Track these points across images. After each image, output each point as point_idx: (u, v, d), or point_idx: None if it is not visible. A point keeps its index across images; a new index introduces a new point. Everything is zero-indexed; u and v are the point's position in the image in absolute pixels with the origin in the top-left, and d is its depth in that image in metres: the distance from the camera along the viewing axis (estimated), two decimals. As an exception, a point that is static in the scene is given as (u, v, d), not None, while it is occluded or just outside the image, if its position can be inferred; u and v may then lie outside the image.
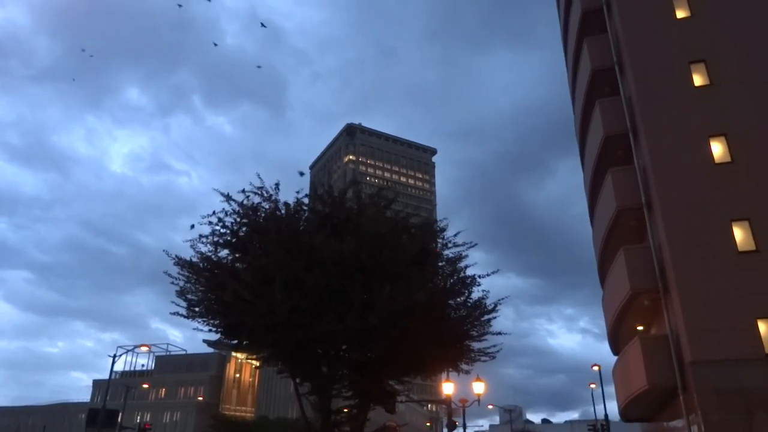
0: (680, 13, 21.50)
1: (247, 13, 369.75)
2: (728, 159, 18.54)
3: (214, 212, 14.39)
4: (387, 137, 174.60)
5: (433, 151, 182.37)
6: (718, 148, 18.88)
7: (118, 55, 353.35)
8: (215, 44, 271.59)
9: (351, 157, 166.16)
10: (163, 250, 14.61)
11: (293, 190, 15.46)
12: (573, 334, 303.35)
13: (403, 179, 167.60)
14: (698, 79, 20.13)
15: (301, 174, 15.46)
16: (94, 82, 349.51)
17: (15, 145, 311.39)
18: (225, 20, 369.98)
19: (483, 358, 16.84)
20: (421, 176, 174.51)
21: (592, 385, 52.56)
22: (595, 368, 47.53)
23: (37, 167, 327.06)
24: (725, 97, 19.50)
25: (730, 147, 18.66)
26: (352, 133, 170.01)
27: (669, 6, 21.71)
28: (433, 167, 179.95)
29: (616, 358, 24.81)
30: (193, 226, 14.58)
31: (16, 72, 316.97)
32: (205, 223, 14.31)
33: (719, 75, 19.91)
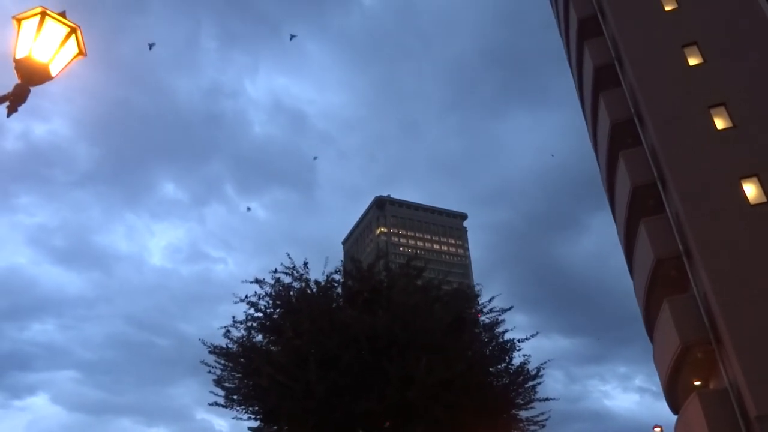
0: (692, 60, 21.70)
1: (271, 103, 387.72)
2: (764, 199, 18.10)
3: (246, 296, 14.54)
4: (417, 206, 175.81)
5: (464, 216, 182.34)
6: (751, 190, 18.48)
7: (153, 154, 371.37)
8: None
9: (383, 229, 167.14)
10: (199, 339, 14.69)
11: (327, 266, 15.53)
12: (630, 394, 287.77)
13: (436, 246, 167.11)
14: (720, 123, 20.02)
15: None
16: (131, 181, 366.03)
17: (60, 248, 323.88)
18: (252, 112, 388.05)
19: (532, 428, 16.08)
20: (453, 242, 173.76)
21: (657, 448, 49.31)
22: (657, 430, 44.75)
23: (81, 268, 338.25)
24: (751, 136, 19.28)
25: (764, 187, 18.25)
26: (381, 205, 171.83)
27: (680, 53, 21.96)
28: (465, 232, 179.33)
29: (677, 417, 23.42)
30: (235, 321, 14.61)
31: (59, 179, 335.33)
32: (240, 301, 14.41)
33: (741, 116, 19.79)
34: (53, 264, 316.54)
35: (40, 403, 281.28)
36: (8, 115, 3.76)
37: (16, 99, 3.78)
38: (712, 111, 20.26)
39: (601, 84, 25.37)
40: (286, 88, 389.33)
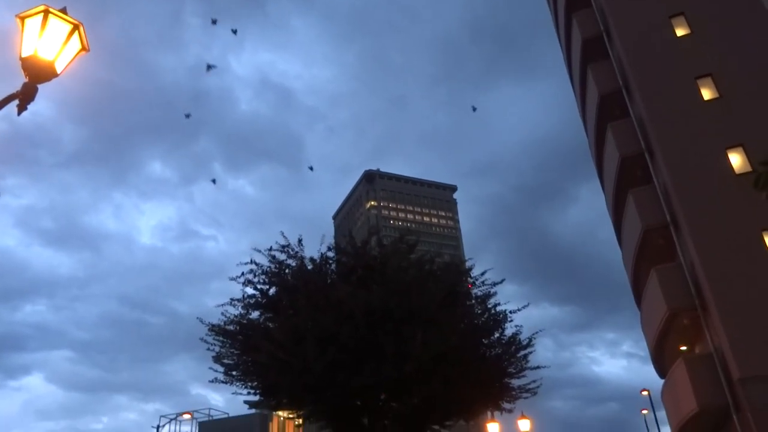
0: (680, 31, 21.77)
1: (258, 80, 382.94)
2: (749, 168, 18.39)
3: (242, 274, 14.73)
4: (406, 180, 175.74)
5: (454, 189, 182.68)
6: (736, 159, 18.77)
7: (139, 133, 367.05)
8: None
9: (372, 203, 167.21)
10: (197, 318, 14.94)
11: (318, 242, 15.79)
12: (618, 359, 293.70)
13: (426, 219, 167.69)
14: (707, 93, 20.21)
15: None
16: (118, 161, 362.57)
17: (49, 230, 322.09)
18: (238, 88, 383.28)
19: (525, 395, 16.57)
20: (444, 214, 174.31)
21: (644, 411, 50.65)
22: (645, 393, 45.92)
23: (71, 249, 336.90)
24: (737, 107, 19.50)
25: (749, 156, 18.55)
26: (371, 179, 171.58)
27: (668, 25, 22.01)
28: (455, 204, 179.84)
29: (663, 381, 24.10)
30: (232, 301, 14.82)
31: (46, 161, 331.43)
32: (236, 281, 14.62)
33: (727, 86, 19.97)
34: (43, 245, 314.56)
35: (35, 382, 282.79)
36: (18, 114, 3.84)
37: (25, 98, 3.87)
38: (699, 82, 20.42)
39: (589, 56, 25.41)
40: (272, 63, 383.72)
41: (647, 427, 53.43)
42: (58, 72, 4.08)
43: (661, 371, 25.12)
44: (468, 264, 16.32)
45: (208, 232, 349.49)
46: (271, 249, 14.88)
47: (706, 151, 19.22)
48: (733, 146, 18.93)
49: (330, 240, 16.44)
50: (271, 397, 15.69)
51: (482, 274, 15.67)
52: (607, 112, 24.03)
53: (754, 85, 19.47)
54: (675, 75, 20.93)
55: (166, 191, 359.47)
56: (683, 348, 21.75)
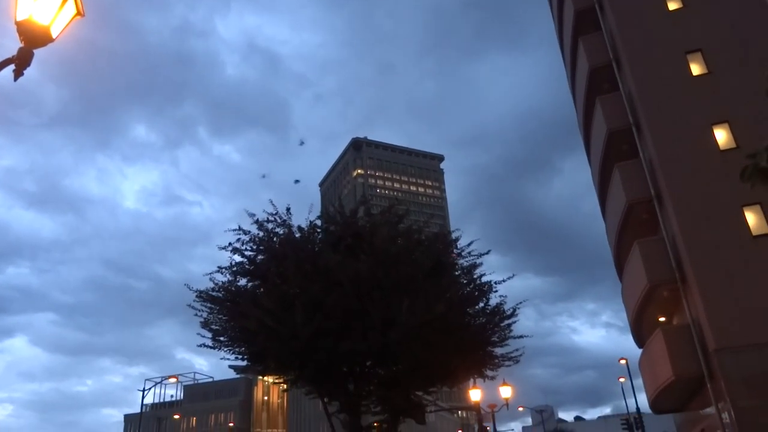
0: (672, 5, 21.68)
1: (244, 44, 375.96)
2: (733, 145, 18.61)
3: (230, 244, 14.77)
4: (393, 148, 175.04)
5: (441, 158, 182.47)
6: (722, 135, 18.97)
7: (123, 96, 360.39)
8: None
9: (359, 171, 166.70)
10: (185, 284, 15.01)
11: (305, 209, 15.89)
12: (597, 329, 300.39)
13: (413, 188, 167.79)
14: (696, 69, 20.27)
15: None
16: (101, 123, 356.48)
17: (31, 192, 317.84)
18: (224, 52, 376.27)
19: (507, 363, 16.98)
20: (430, 184, 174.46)
21: (622, 379, 52.11)
22: (623, 362, 47.15)
23: (54, 211, 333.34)
24: (725, 83, 19.61)
25: (734, 133, 18.75)
26: (358, 147, 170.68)
27: (660, -1, 21.90)
28: (442, 174, 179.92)
29: (641, 350, 24.76)
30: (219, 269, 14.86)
31: (27, 121, 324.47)
32: (225, 250, 14.68)
33: (716, 62, 20.04)
34: (25, 208, 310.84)
35: (18, 345, 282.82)
36: (15, 79, 3.81)
37: (21, 62, 3.83)
38: (689, 57, 20.45)
39: (581, 28, 25.26)
40: (259, 27, 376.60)
41: (624, 393, 54.96)
42: (54, 37, 4.05)
43: (640, 341, 25.78)
44: (455, 235, 16.49)
45: (193, 198, 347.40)
46: (256, 218, 14.90)
47: (692, 127, 19.38)
48: (719, 122, 19.10)
49: (317, 209, 16.53)
50: (258, 363, 15.92)
51: (469, 245, 15.87)
52: (596, 85, 24.04)
53: (743, 63, 19.55)
54: (665, 49, 20.94)
55: (150, 155, 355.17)
56: (662, 319, 22.30)
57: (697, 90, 19.90)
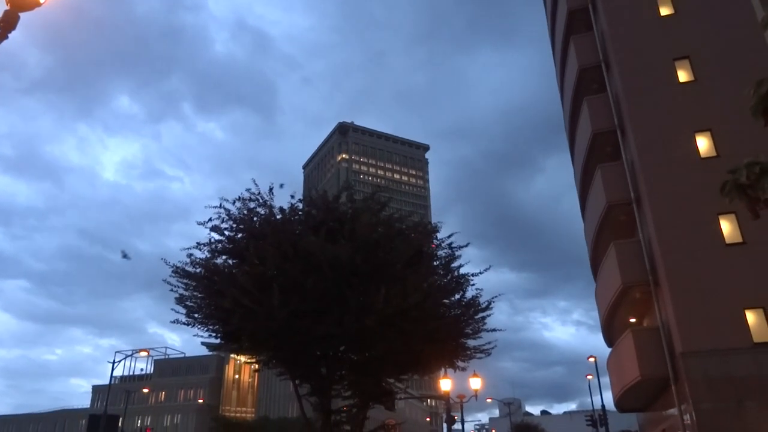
0: (664, 11, 21.87)
1: (234, 21, 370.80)
2: (714, 153, 18.92)
3: (210, 219, 14.66)
4: (379, 135, 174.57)
5: (426, 148, 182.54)
6: (704, 143, 19.26)
7: (108, 65, 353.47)
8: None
9: (344, 155, 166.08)
10: (161, 259, 14.87)
11: (286, 192, 15.80)
12: (567, 327, 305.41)
13: (396, 176, 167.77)
14: (683, 75, 20.51)
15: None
16: (84, 91, 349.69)
17: (8, 157, 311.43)
18: (213, 28, 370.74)
19: (479, 355, 17.15)
20: (414, 173, 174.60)
21: (589, 377, 53.10)
22: (591, 360, 47.98)
23: (30, 177, 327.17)
24: (710, 92, 19.87)
25: (716, 142, 19.05)
26: (344, 131, 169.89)
27: (653, 3, 22.07)
28: (427, 164, 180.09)
29: (610, 349, 25.22)
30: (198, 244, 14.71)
31: (8, 85, 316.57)
32: (204, 226, 14.57)
33: (704, 71, 20.29)
34: (1, 172, 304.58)
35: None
36: (-1, 42, 3.74)
37: (6, 25, 3.73)
38: (677, 63, 20.67)
39: (573, 27, 25.39)
40: (250, 6, 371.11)
41: (590, 390, 56.07)
42: (41, 1, 3.95)
43: (609, 340, 26.26)
44: (436, 225, 16.53)
45: (174, 173, 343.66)
46: (239, 198, 14.79)
47: (675, 133, 19.65)
48: (701, 130, 19.39)
49: (299, 193, 16.47)
50: (232, 342, 15.87)
51: (449, 237, 15.94)
52: (585, 85, 24.22)
53: (729, 72, 19.82)
54: (654, 54, 21.14)
55: (132, 127, 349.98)
56: (632, 320, 22.73)
57: (683, 97, 20.15)
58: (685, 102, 20.04)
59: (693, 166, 18.93)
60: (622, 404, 24.17)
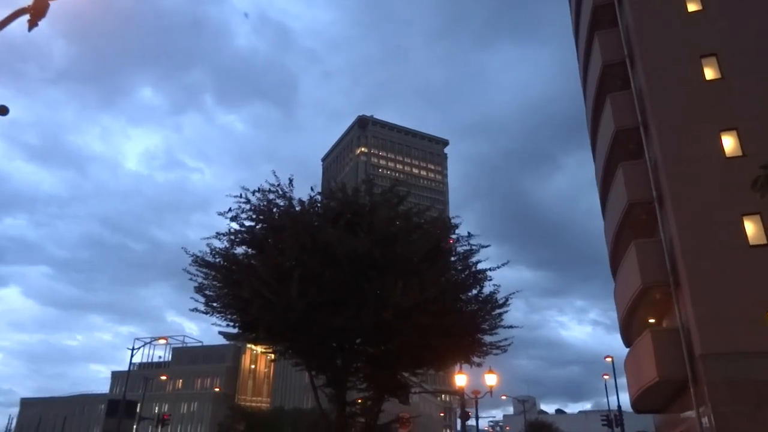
0: (691, 7, 21.45)
1: (257, 15, 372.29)
2: (740, 153, 18.57)
3: (230, 209, 14.77)
4: (399, 129, 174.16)
5: (446, 143, 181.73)
6: (729, 142, 18.91)
7: (132, 57, 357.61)
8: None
9: (363, 149, 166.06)
10: (182, 248, 15.03)
11: (305, 184, 15.87)
12: (584, 326, 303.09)
13: (415, 171, 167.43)
14: (709, 73, 20.13)
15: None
16: (108, 83, 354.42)
17: (33, 145, 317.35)
18: (236, 22, 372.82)
19: (495, 351, 17.08)
20: (433, 167, 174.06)
21: (606, 377, 52.62)
22: (608, 360, 47.55)
23: (54, 166, 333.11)
24: (736, 90, 19.48)
25: (741, 141, 18.69)
26: (364, 125, 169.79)
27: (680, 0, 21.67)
28: (445, 159, 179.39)
29: (627, 349, 24.98)
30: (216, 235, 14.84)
31: (34, 75, 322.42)
32: (224, 216, 14.70)
33: (730, 69, 19.89)
34: (26, 160, 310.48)
35: (11, 295, 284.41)
36: (29, 29, 3.80)
37: (36, 13, 3.81)
38: (704, 61, 20.29)
39: (598, 22, 25.04)
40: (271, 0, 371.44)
41: (606, 390, 55.61)
42: (70, -10, 4.01)
43: (627, 340, 25.99)
44: (454, 221, 16.48)
45: (195, 164, 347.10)
46: (259, 190, 14.88)
47: (700, 132, 19.31)
48: (727, 129, 19.03)
49: (318, 186, 16.52)
50: (249, 332, 16.00)
51: (468, 235, 15.84)
52: (608, 81, 23.89)
53: (756, 71, 19.43)
54: (681, 51, 20.78)
55: (154, 119, 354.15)
56: (651, 321, 22.46)
57: (709, 95, 19.79)
58: (710, 100, 19.68)
59: (718, 165, 18.61)
60: (638, 405, 23.94)
